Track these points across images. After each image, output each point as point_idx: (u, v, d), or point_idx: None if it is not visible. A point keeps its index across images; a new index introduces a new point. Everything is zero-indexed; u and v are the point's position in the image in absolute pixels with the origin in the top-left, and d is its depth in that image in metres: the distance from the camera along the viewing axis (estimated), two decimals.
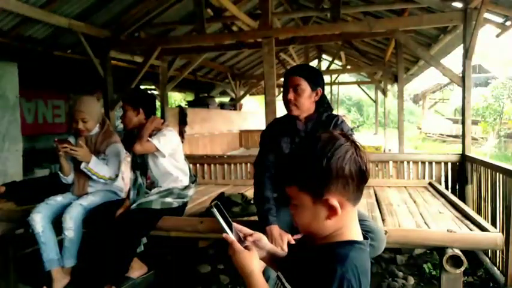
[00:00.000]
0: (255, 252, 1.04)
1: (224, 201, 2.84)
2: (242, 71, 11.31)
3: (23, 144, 4.58)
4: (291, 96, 2.09)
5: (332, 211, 0.90)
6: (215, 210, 1.03)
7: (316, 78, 2.12)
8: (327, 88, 2.26)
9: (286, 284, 0.99)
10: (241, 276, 1.02)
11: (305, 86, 2.08)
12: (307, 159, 0.90)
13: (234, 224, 1.09)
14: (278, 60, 9.56)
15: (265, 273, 2.05)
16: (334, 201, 0.89)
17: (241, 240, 1.09)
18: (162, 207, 2.59)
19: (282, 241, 1.98)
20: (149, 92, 3.21)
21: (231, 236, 1.03)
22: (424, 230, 2.34)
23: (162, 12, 5.23)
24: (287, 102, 2.12)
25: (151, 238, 2.71)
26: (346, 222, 0.93)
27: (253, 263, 1.01)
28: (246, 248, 1.05)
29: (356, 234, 0.95)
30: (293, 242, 1.94)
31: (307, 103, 2.11)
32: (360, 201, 0.95)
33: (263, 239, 1.15)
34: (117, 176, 2.81)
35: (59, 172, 2.80)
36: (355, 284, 0.84)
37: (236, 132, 12.06)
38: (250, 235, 1.12)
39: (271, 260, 1.17)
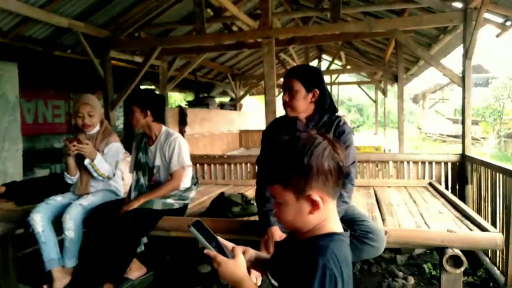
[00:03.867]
0: (240, 258, 1.08)
1: (224, 201, 2.84)
2: (242, 71, 11.31)
3: (23, 144, 4.58)
4: (285, 97, 2.14)
5: (315, 206, 0.96)
6: (193, 229, 1.06)
7: (311, 80, 2.11)
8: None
9: (273, 281, 1.03)
10: (232, 285, 1.05)
11: (299, 87, 2.09)
12: (289, 158, 0.96)
13: (220, 238, 1.12)
14: (278, 60, 9.56)
15: None
16: (316, 196, 0.95)
17: (226, 252, 1.11)
18: (163, 208, 2.59)
19: None
20: (158, 93, 3.21)
21: (212, 251, 1.06)
22: (424, 230, 2.33)
23: (162, 13, 5.23)
24: (283, 104, 2.18)
25: (151, 238, 2.70)
26: (327, 215, 0.99)
27: (241, 270, 1.06)
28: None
29: (336, 226, 1.01)
30: None
31: (302, 104, 2.12)
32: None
33: (247, 251, 1.20)
34: (114, 175, 2.82)
35: (65, 172, 2.80)
36: (337, 273, 0.89)
37: (236, 132, 12.06)
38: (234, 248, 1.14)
39: (256, 264, 1.21)
